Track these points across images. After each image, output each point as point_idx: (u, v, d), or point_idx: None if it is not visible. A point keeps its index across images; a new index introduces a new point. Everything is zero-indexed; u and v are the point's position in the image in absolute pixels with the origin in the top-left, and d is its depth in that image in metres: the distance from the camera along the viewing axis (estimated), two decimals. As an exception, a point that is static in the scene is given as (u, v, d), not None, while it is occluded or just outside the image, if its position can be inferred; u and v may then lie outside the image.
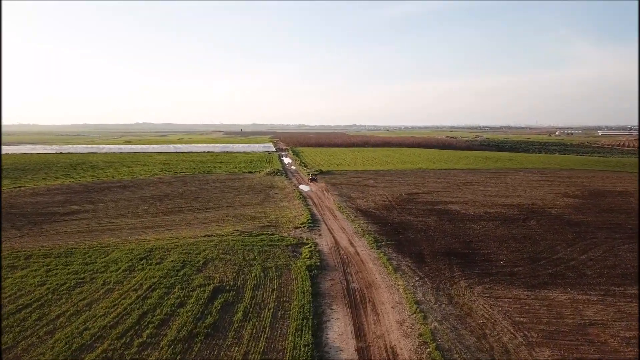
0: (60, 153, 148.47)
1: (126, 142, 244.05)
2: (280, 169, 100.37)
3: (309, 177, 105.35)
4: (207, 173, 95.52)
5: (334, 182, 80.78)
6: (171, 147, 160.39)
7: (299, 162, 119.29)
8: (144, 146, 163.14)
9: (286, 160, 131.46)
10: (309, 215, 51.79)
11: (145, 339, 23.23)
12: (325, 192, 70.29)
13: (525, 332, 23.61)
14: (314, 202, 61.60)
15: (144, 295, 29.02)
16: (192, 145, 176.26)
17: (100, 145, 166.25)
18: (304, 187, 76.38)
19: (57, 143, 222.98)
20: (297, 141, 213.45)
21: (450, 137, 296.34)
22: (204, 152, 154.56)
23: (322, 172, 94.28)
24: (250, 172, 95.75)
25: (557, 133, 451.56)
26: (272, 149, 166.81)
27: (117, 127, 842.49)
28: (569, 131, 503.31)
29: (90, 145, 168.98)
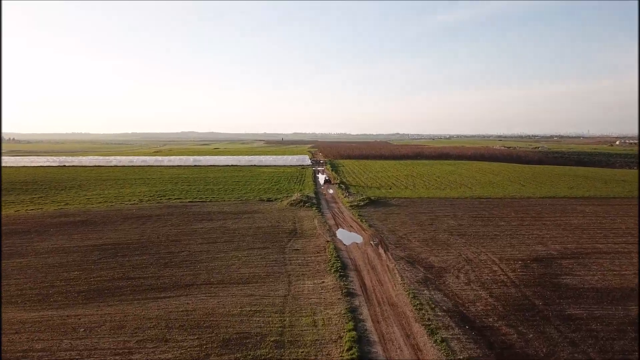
0: (63, 166, 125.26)
1: (156, 152, 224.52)
2: (312, 194, 70.47)
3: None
4: (210, 200, 66.98)
5: (394, 224, 49.99)
6: (190, 160, 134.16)
7: (339, 181, 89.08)
8: (159, 158, 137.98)
9: (322, 178, 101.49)
10: (355, 342, 21.61)
11: None
12: (380, 248, 39.75)
13: None
14: (362, 284, 30.99)
15: None
16: (216, 157, 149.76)
17: (110, 157, 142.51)
18: (343, 234, 45.95)
19: (101, 152, 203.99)
20: (337, 152, 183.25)
21: (510, 147, 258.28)
22: (226, 165, 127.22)
23: (371, 201, 63.66)
24: (269, 200, 66.38)
25: (617, 143, 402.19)
26: (308, 162, 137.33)
27: (163, 136, 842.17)
28: (631, 140, 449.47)
29: (102, 157, 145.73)
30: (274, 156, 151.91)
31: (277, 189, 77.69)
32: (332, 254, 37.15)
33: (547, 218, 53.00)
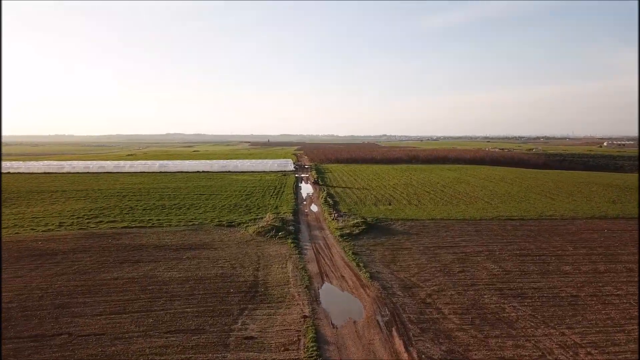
0: (7, 173, 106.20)
1: (129, 156, 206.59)
2: (290, 215, 53.04)
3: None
4: (153, 225, 49.21)
5: (408, 271, 32.61)
6: (156, 165, 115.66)
7: (326, 193, 71.90)
8: (121, 164, 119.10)
9: (306, 188, 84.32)
10: None
11: None
12: (395, 334, 22.49)
13: None
14: None
15: None
16: (187, 161, 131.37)
17: (64, 162, 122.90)
18: (331, 297, 28.57)
19: (66, 156, 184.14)
20: (324, 155, 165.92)
21: (505, 150, 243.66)
22: (196, 172, 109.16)
23: (368, 226, 46.40)
24: (230, 225, 48.78)
25: (605, 144, 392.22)
26: (291, 167, 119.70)
27: (148, 138, 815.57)
28: (620, 142, 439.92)
29: (55, 162, 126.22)
30: (254, 160, 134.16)
31: (246, 206, 60.16)
32: (312, 357, 19.86)
33: (624, 256, 36.38)
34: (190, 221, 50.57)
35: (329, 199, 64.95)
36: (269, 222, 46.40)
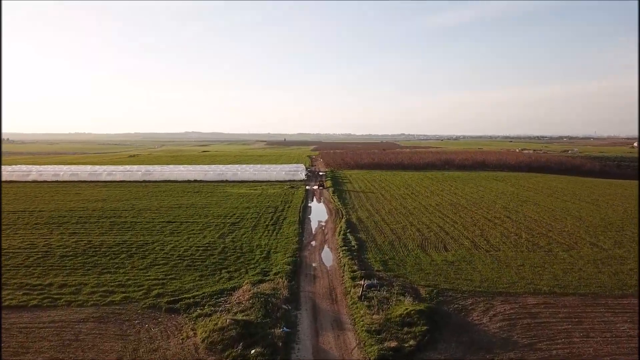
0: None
1: (131, 157, 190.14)
2: (284, 284, 30.03)
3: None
4: (39, 302, 27.01)
5: None
6: (141, 171, 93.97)
7: (345, 222, 49.24)
8: (99, 170, 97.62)
9: (317, 210, 61.58)
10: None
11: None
12: None
13: None
14: None
15: None
16: (180, 167, 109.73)
17: (33, 167, 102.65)
18: None
19: (55, 159, 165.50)
20: (341, 159, 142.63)
21: (540, 151, 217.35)
22: (185, 181, 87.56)
23: (429, 321, 23.96)
24: (171, 310, 26.11)
25: (635, 144, 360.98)
26: (302, 174, 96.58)
27: (164, 136, 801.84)
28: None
29: (25, 166, 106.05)
30: (259, 166, 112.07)
31: (220, 252, 37.75)
32: None
33: None
34: (111, 292, 28.48)
35: (349, 237, 42.31)
36: (239, 311, 24.02)
